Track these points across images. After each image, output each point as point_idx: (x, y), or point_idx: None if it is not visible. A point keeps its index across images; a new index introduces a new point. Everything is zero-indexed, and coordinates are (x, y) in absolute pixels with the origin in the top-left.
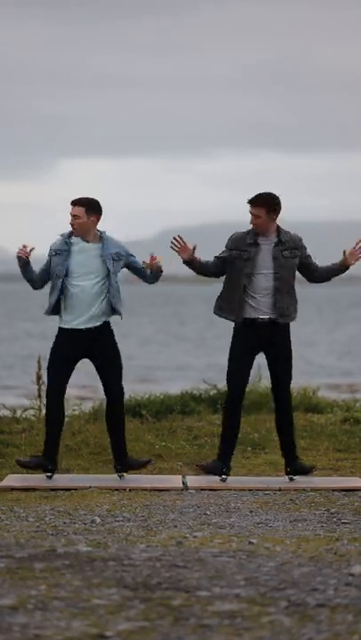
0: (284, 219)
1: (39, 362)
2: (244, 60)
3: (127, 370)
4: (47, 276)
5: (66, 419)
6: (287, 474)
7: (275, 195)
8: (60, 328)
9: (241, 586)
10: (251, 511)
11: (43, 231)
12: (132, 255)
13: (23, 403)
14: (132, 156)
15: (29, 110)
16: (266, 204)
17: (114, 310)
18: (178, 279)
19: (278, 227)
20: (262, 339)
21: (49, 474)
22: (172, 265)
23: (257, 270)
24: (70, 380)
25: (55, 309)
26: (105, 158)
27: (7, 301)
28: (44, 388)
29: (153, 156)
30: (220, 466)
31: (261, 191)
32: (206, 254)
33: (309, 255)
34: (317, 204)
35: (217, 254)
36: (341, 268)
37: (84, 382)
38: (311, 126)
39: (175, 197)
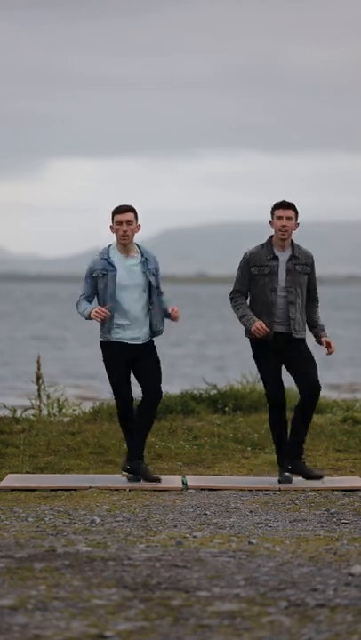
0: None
1: (39, 362)
2: (224, 60)
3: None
4: (93, 296)
5: (66, 419)
6: (287, 470)
7: None
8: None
9: (241, 586)
10: (251, 511)
11: (36, 230)
12: (158, 273)
13: (23, 403)
14: (122, 156)
15: (18, 110)
16: (295, 208)
17: (153, 329)
18: (177, 278)
19: (292, 240)
20: (280, 351)
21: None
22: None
23: (278, 284)
24: (69, 380)
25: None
26: (94, 158)
27: (7, 301)
28: (43, 387)
29: (142, 155)
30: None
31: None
32: (207, 253)
33: (315, 279)
34: (305, 205)
35: (237, 286)
36: (317, 341)
37: (84, 382)
38: (292, 126)
39: (171, 197)
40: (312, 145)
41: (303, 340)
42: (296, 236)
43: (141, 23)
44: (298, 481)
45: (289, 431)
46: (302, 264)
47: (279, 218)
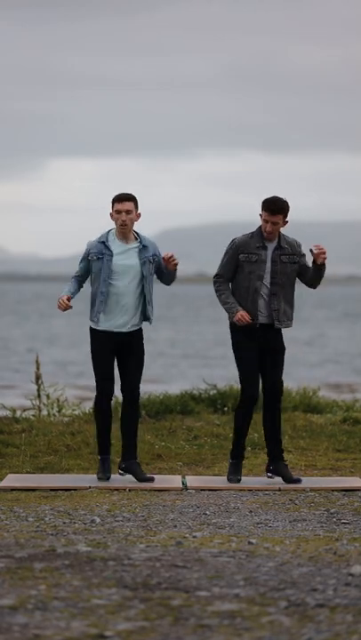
0: None
1: (37, 361)
2: (224, 60)
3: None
4: (85, 278)
5: (66, 419)
6: (268, 471)
7: (286, 200)
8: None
9: (240, 586)
10: (250, 511)
11: (36, 230)
12: (160, 255)
13: (23, 403)
14: (122, 156)
15: (18, 110)
16: (285, 211)
17: (145, 316)
18: (177, 278)
19: (279, 231)
20: (260, 341)
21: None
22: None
23: (265, 273)
24: (69, 380)
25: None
26: (94, 158)
27: (6, 301)
28: (43, 388)
29: (142, 155)
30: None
31: (273, 195)
32: (206, 253)
33: (306, 263)
34: (305, 205)
35: (221, 271)
36: (317, 268)
37: (84, 383)
38: (292, 126)
39: (171, 197)
40: (312, 145)
41: (281, 330)
42: (297, 236)
43: (141, 23)
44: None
45: (263, 433)
46: (289, 254)
47: (266, 221)
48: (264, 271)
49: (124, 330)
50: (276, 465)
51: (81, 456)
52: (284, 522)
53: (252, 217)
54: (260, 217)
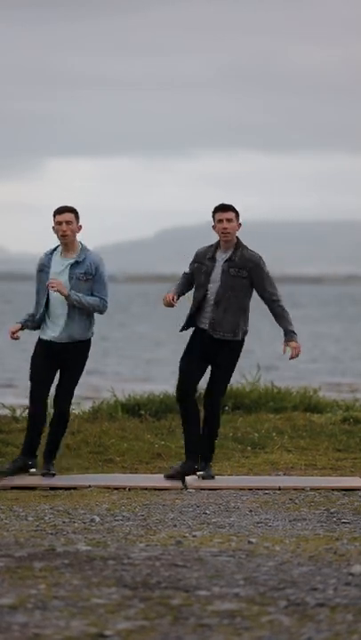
0: (274, 219)
1: None
2: (224, 60)
3: (129, 368)
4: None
5: None
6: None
7: None
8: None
9: (240, 585)
10: (250, 510)
11: (36, 230)
12: (98, 278)
13: (23, 402)
14: (121, 156)
15: (18, 110)
16: (234, 208)
17: (72, 335)
18: (176, 278)
19: (238, 242)
20: (207, 349)
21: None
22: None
23: (210, 284)
24: None
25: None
26: (94, 158)
27: (4, 301)
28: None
29: (141, 155)
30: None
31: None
32: None
33: (264, 280)
34: (305, 205)
35: (186, 271)
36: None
37: (82, 380)
38: (292, 126)
39: (171, 197)
40: (312, 145)
41: (229, 343)
42: (298, 236)
43: (141, 23)
44: (297, 480)
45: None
46: (238, 268)
47: (220, 221)
48: (209, 282)
49: (60, 341)
50: (203, 467)
51: (81, 455)
52: (284, 521)
53: (252, 217)
54: (212, 229)
